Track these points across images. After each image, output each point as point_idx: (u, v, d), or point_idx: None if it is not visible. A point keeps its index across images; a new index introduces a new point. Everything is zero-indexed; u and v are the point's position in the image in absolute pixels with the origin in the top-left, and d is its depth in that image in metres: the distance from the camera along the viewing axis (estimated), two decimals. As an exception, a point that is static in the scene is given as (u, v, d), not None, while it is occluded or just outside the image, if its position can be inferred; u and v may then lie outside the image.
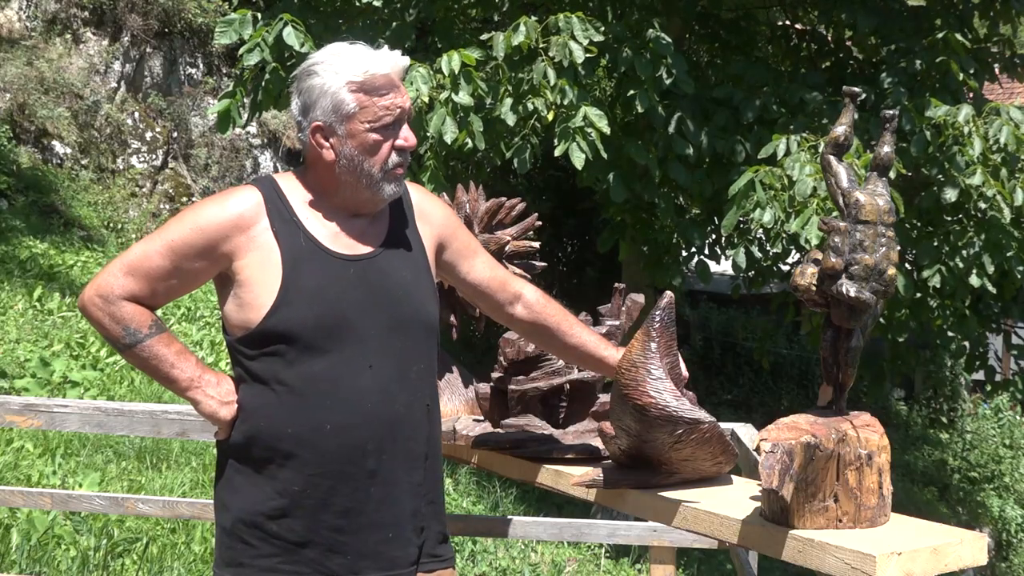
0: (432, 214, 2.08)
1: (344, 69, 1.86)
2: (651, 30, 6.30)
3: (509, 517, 3.65)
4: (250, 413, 1.87)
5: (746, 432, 3.33)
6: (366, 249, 1.93)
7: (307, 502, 1.84)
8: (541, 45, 5.79)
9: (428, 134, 5.49)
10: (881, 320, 6.73)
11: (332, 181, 1.91)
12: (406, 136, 1.91)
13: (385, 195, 1.92)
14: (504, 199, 2.51)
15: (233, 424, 1.89)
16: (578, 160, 5.64)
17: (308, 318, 1.83)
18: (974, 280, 6.40)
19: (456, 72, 5.46)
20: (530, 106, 5.73)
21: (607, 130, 5.69)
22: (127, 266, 1.87)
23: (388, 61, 1.88)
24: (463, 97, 5.45)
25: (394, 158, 1.90)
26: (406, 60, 1.92)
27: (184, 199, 10.95)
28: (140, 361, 1.89)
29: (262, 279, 1.85)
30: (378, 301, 1.89)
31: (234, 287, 1.88)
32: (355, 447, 1.85)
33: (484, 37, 6.02)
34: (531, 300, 2.12)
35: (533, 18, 5.89)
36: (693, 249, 7.92)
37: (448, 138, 5.39)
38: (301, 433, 1.83)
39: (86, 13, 10.83)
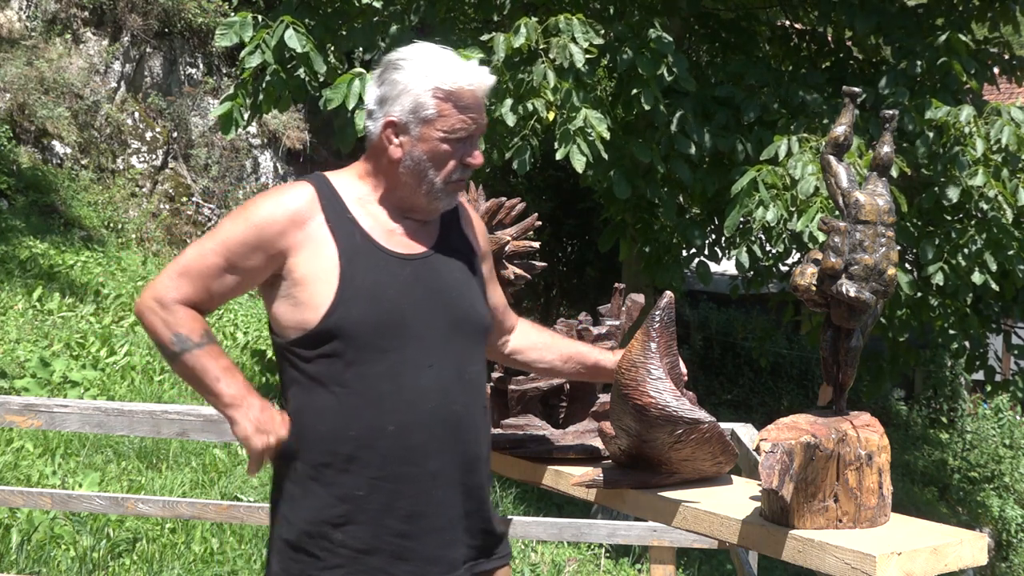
0: (477, 227, 2.09)
1: (434, 73, 1.83)
2: (652, 30, 6.30)
3: (509, 517, 3.65)
4: (307, 417, 1.82)
5: (746, 432, 3.33)
6: (419, 249, 1.91)
7: (370, 507, 1.79)
8: (541, 46, 5.79)
9: None
10: (881, 320, 6.74)
11: (392, 178, 1.90)
12: (475, 154, 1.89)
13: (440, 207, 1.91)
14: (504, 199, 2.51)
15: (263, 457, 1.82)
16: (579, 163, 5.65)
17: (368, 317, 1.80)
18: (976, 278, 6.41)
19: None
20: (530, 107, 5.74)
21: (607, 134, 5.70)
22: (181, 268, 1.84)
23: (478, 78, 1.87)
24: None
25: (458, 173, 1.88)
26: (493, 80, 1.92)
27: (184, 199, 10.95)
28: (186, 370, 1.84)
29: (319, 277, 1.81)
30: (434, 301, 1.88)
31: (288, 286, 1.83)
32: (418, 448, 1.81)
33: (484, 38, 6.02)
34: (523, 329, 2.17)
35: (533, 19, 5.90)
36: (693, 249, 7.93)
37: None
38: (363, 435, 1.79)
39: (86, 13, 10.83)
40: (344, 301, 1.79)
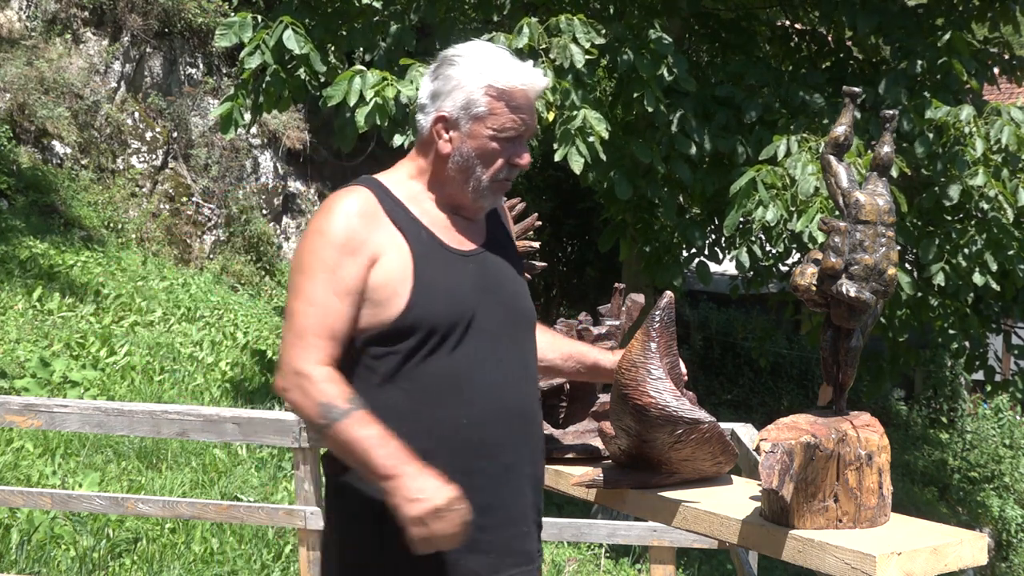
0: (508, 222, 2.13)
1: (488, 70, 1.85)
2: (652, 30, 6.30)
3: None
4: (381, 415, 1.78)
5: (746, 432, 3.33)
6: (473, 245, 1.93)
7: None
8: (542, 46, 5.79)
9: None
10: (881, 320, 6.74)
11: (440, 173, 1.90)
12: (523, 154, 1.90)
13: (485, 205, 1.93)
14: (504, 199, 2.52)
15: (425, 526, 1.68)
16: (576, 164, 5.65)
17: (442, 314, 1.81)
18: (977, 278, 6.41)
19: None
20: (530, 106, 5.73)
21: (605, 135, 5.71)
22: (299, 330, 1.77)
23: (532, 79, 1.87)
24: None
25: (504, 172, 1.89)
26: (546, 82, 1.92)
27: (184, 199, 10.95)
28: (337, 442, 1.74)
29: (396, 276, 1.81)
30: (495, 296, 1.91)
31: (368, 290, 1.81)
32: (490, 441, 1.84)
33: (486, 37, 6.03)
34: None
35: (534, 19, 5.90)
36: (693, 249, 7.93)
37: None
38: (438, 430, 1.80)
39: (86, 13, 10.83)
40: (419, 299, 1.81)
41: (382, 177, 1.93)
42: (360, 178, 1.93)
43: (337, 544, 1.90)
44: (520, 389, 1.91)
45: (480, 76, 1.84)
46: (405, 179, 1.93)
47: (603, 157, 5.85)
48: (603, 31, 6.03)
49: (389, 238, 1.83)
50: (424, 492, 1.67)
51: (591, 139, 5.65)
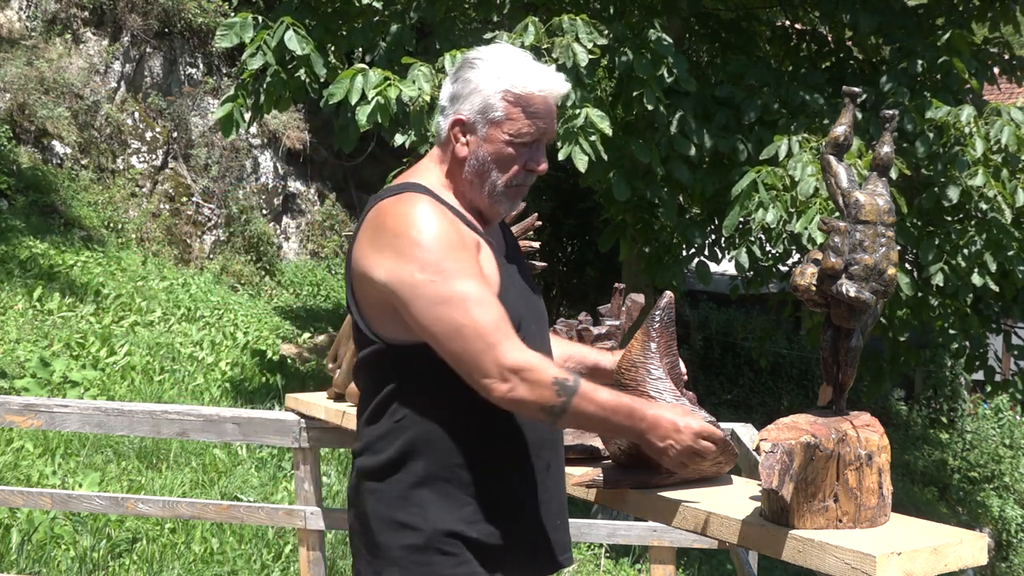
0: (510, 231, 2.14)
1: (507, 75, 1.83)
2: (652, 31, 6.30)
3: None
4: (442, 420, 1.79)
5: (746, 432, 3.33)
6: (503, 252, 1.94)
7: (504, 501, 1.83)
8: (544, 46, 5.79)
9: (430, 133, 5.50)
10: (881, 320, 6.74)
11: (458, 177, 1.89)
12: (539, 159, 1.88)
13: (501, 210, 1.92)
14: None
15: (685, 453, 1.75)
16: (581, 163, 5.64)
17: (514, 313, 1.81)
18: (976, 279, 6.41)
19: None
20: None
21: (609, 132, 5.70)
22: (481, 332, 1.71)
23: (551, 84, 1.86)
24: None
25: (520, 178, 1.88)
26: (567, 87, 1.91)
27: (184, 199, 10.95)
28: (580, 414, 1.72)
29: (491, 275, 1.82)
30: (528, 300, 1.93)
31: None
32: (536, 441, 1.88)
33: (488, 36, 6.02)
34: None
35: (536, 20, 5.90)
36: (693, 249, 7.93)
37: None
38: (497, 433, 1.82)
39: (86, 13, 10.83)
40: (504, 296, 1.81)
41: (424, 182, 1.89)
42: (407, 184, 1.88)
43: (397, 553, 1.82)
44: None
45: (498, 80, 1.83)
46: (439, 185, 1.90)
47: (605, 157, 5.84)
48: (605, 31, 6.03)
49: (473, 236, 1.84)
50: (682, 422, 1.73)
51: (593, 137, 5.65)
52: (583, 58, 5.65)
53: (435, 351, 1.75)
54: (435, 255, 1.73)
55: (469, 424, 1.81)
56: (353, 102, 5.51)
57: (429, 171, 1.92)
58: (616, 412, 1.73)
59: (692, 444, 1.73)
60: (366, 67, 5.66)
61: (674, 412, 1.75)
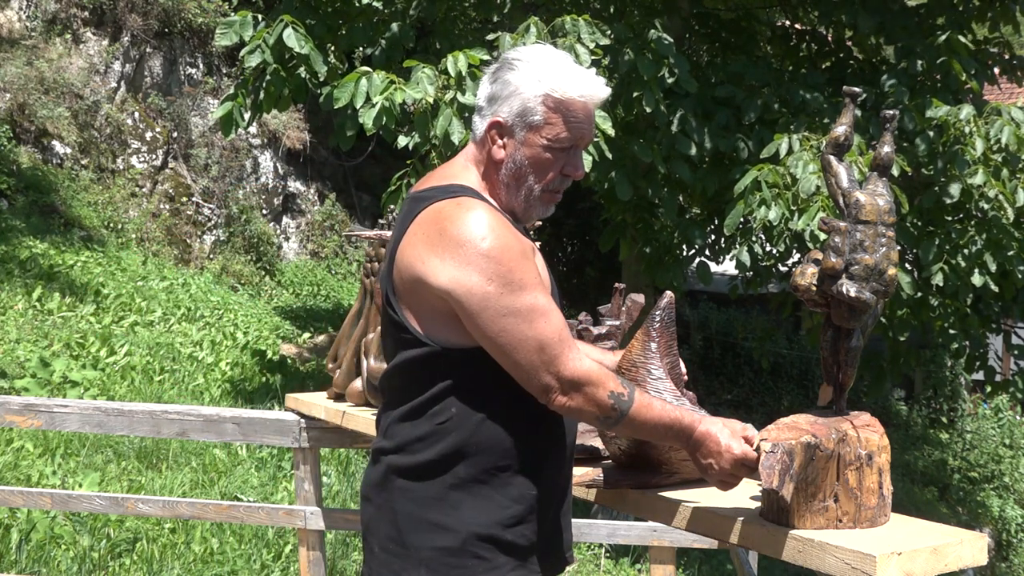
0: None
1: (548, 79, 1.80)
2: (652, 31, 6.30)
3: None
4: (485, 421, 1.78)
5: (746, 432, 3.32)
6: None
7: (538, 505, 1.83)
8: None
9: (434, 135, 5.49)
10: (881, 320, 6.74)
11: (494, 179, 1.87)
12: (576, 165, 1.86)
13: (535, 215, 1.89)
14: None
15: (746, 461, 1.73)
16: (585, 162, 5.64)
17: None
18: (976, 279, 6.41)
19: (463, 73, 5.44)
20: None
21: (611, 132, 5.70)
22: (542, 344, 1.72)
23: (592, 89, 1.83)
24: (469, 98, 5.42)
25: (557, 183, 1.86)
26: (607, 91, 1.88)
27: (184, 199, 10.95)
28: (637, 424, 1.76)
29: (544, 280, 1.83)
30: (557, 297, 1.94)
31: None
32: (564, 448, 1.90)
33: (490, 37, 6.02)
34: None
35: (539, 21, 5.90)
36: (694, 249, 7.93)
37: (455, 138, 5.36)
38: (535, 438, 1.81)
39: (86, 13, 10.83)
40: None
41: (464, 183, 1.86)
42: (452, 186, 1.85)
43: (427, 554, 1.81)
44: None
45: (539, 84, 1.80)
46: (478, 185, 1.88)
47: (608, 156, 5.84)
48: (607, 31, 6.03)
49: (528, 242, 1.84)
50: (726, 440, 1.73)
51: (596, 138, 5.65)
52: (585, 59, 5.65)
53: (490, 356, 1.75)
54: (502, 267, 1.71)
55: (518, 430, 1.80)
56: (358, 105, 5.50)
57: (468, 171, 1.89)
58: (668, 427, 1.76)
59: (730, 469, 1.73)
60: (369, 70, 5.66)
61: (722, 431, 1.75)
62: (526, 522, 1.81)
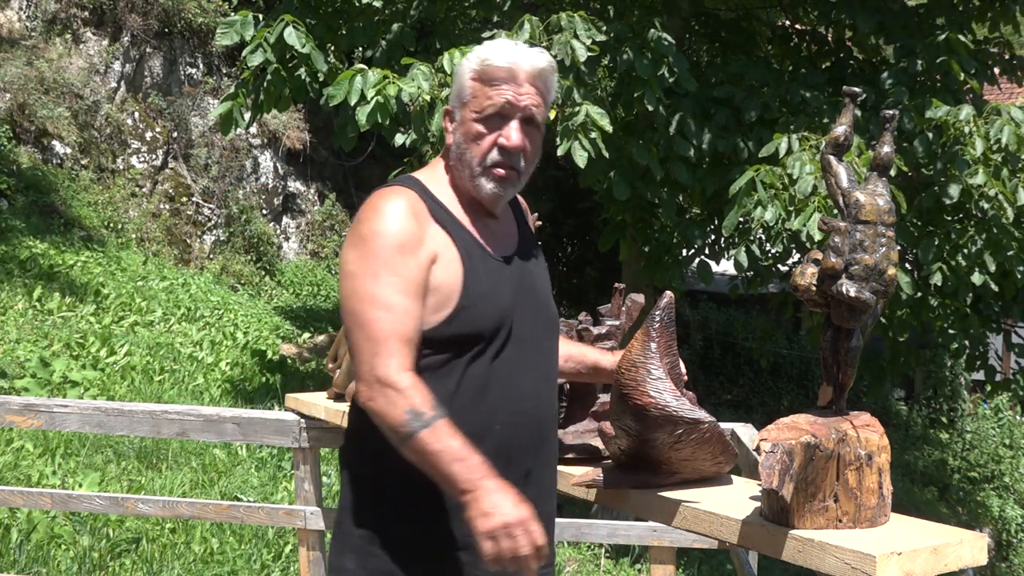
0: (531, 223, 2.12)
1: (475, 57, 1.85)
2: (652, 30, 6.30)
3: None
4: None
5: (746, 432, 3.32)
6: (511, 250, 1.92)
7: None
8: (544, 44, 5.79)
9: (430, 132, 5.50)
10: (881, 320, 6.74)
11: (450, 163, 1.90)
12: (508, 135, 1.83)
13: (484, 192, 1.86)
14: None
15: (491, 538, 1.64)
16: (580, 159, 5.64)
17: (486, 322, 1.80)
18: (976, 278, 6.41)
19: None
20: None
21: (609, 128, 5.69)
22: (376, 337, 1.71)
23: (515, 55, 1.83)
24: None
25: (494, 155, 1.84)
26: (539, 60, 1.85)
27: (184, 199, 10.95)
28: (419, 452, 1.68)
29: (449, 280, 1.79)
30: (531, 303, 1.90)
31: (426, 288, 1.79)
32: (518, 447, 1.85)
33: (486, 35, 6.02)
34: None
35: (534, 18, 5.90)
36: (694, 249, 7.93)
37: None
38: (473, 434, 1.74)
39: (86, 13, 10.83)
40: (469, 305, 1.79)
41: (421, 176, 1.90)
42: (400, 178, 1.91)
43: (357, 541, 1.85)
44: (543, 397, 1.91)
45: (467, 63, 1.86)
46: (440, 179, 1.90)
47: (606, 154, 5.84)
48: (604, 28, 6.03)
49: (440, 239, 1.81)
50: (499, 508, 1.62)
51: (593, 135, 5.65)
52: (582, 54, 5.64)
53: (423, 351, 1.77)
54: (369, 252, 1.75)
55: (456, 424, 1.75)
56: (353, 103, 5.51)
57: (435, 166, 1.94)
58: (454, 461, 1.65)
59: (492, 532, 1.63)
60: (365, 67, 5.66)
61: (497, 500, 1.63)
62: (460, 518, 1.71)
